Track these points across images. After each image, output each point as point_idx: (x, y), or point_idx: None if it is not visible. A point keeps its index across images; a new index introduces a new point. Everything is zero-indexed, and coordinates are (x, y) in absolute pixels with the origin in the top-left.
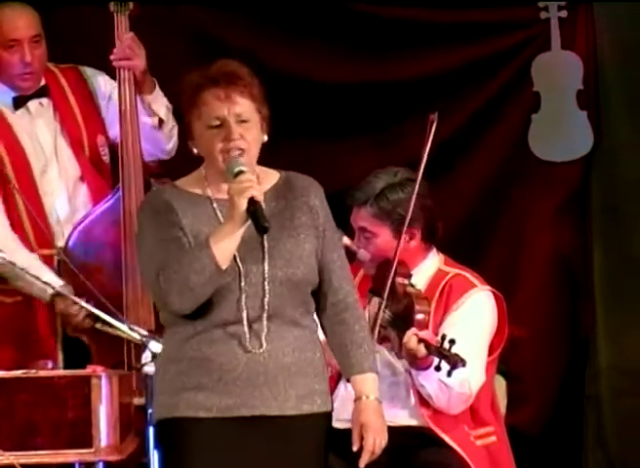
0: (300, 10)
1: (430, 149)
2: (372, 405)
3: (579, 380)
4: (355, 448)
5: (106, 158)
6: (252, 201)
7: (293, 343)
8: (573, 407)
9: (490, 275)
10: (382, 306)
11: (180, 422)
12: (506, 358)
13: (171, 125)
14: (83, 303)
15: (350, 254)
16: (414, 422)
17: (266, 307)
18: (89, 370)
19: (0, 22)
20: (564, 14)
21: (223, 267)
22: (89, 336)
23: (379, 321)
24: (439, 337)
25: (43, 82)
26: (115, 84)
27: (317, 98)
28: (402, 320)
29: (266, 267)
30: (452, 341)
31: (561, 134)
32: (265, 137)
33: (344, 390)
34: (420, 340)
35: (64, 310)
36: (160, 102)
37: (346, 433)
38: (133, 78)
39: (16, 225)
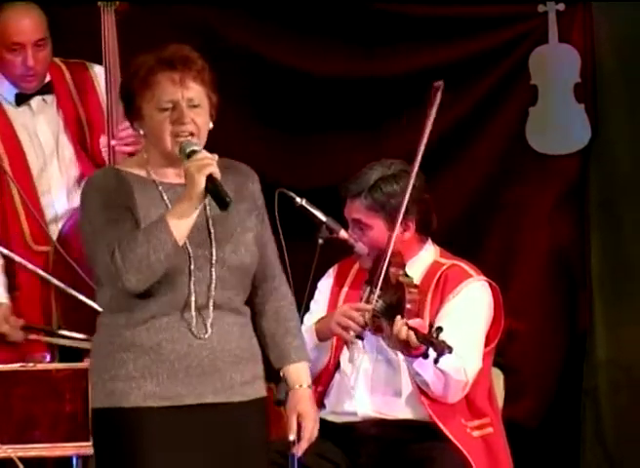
0: (299, 6)
1: (430, 140)
2: (307, 393)
3: (576, 374)
4: (292, 438)
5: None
6: (210, 178)
7: (235, 330)
8: (570, 400)
9: (487, 268)
10: (375, 296)
11: (128, 412)
12: (504, 351)
13: None
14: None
15: (347, 247)
16: (409, 414)
17: (213, 293)
18: (86, 362)
19: (4, 24)
20: (562, 7)
21: (180, 243)
22: (82, 330)
23: (371, 311)
24: (427, 325)
25: (48, 78)
26: None
27: (314, 93)
28: (395, 309)
29: (214, 252)
30: (439, 329)
31: (558, 127)
32: (211, 125)
33: (339, 382)
34: (410, 329)
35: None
36: None
37: (345, 427)
38: None
39: (11, 221)
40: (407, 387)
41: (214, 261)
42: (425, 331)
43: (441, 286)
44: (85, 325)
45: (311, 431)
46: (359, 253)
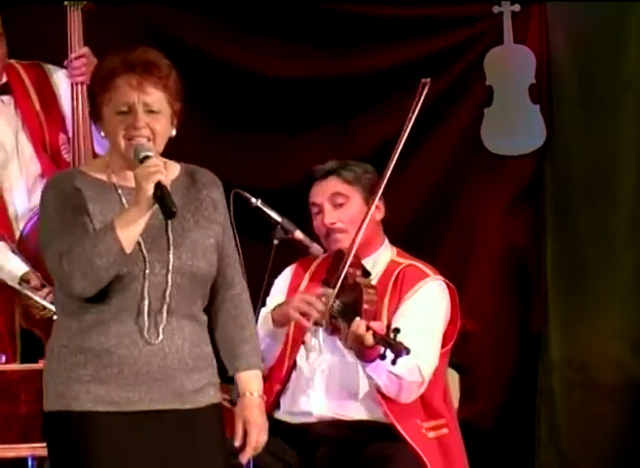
0: (257, 6)
1: (383, 140)
2: (256, 402)
3: (530, 374)
4: (237, 444)
5: (67, 156)
6: (158, 185)
7: (189, 337)
8: (525, 400)
9: (441, 269)
10: (333, 296)
11: (78, 415)
12: (458, 351)
13: None
14: (39, 299)
15: (303, 248)
16: (364, 415)
17: (167, 299)
18: (41, 363)
19: None
20: (517, 8)
21: (128, 251)
22: (41, 330)
23: (328, 311)
24: (384, 327)
25: (4, 79)
26: None
27: (272, 93)
28: (351, 310)
29: (171, 258)
30: (396, 330)
31: (514, 128)
32: (174, 132)
33: (295, 381)
34: (368, 329)
35: (26, 298)
36: None
37: (300, 428)
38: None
39: None
40: (363, 388)
41: (170, 267)
42: (383, 333)
43: (399, 285)
44: (45, 325)
45: (256, 440)
46: (314, 253)
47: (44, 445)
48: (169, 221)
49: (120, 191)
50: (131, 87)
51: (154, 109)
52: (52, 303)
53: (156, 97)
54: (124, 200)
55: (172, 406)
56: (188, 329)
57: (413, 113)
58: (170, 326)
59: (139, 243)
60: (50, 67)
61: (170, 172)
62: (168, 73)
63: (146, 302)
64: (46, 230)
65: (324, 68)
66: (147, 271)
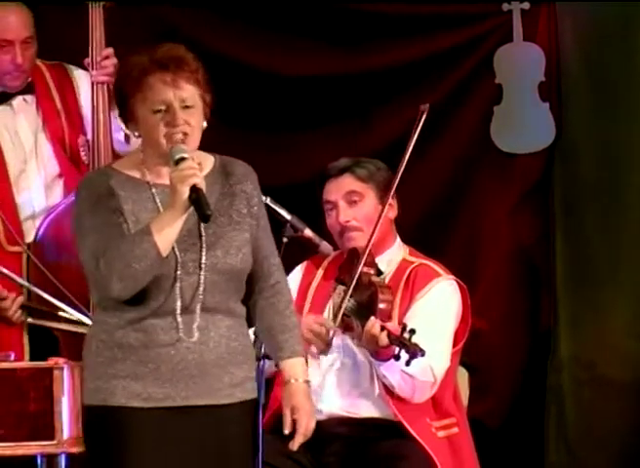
0: (270, 5)
1: (393, 138)
2: (301, 387)
3: (540, 372)
4: (287, 432)
5: (86, 158)
6: (194, 188)
7: (226, 332)
8: (534, 399)
9: (450, 267)
10: (347, 295)
11: (114, 410)
12: (468, 350)
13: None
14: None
15: (312, 246)
16: (375, 413)
17: (201, 297)
18: (51, 361)
19: None
20: (526, 5)
21: (164, 254)
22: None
23: (342, 309)
24: (400, 327)
25: (29, 79)
26: None
27: (282, 92)
28: (365, 309)
29: (204, 257)
30: (412, 331)
31: (523, 126)
32: (205, 124)
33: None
34: (383, 328)
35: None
36: None
37: None
38: (107, 91)
39: None
40: (373, 388)
41: (203, 266)
42: (398, 333)
43: (410, 284)
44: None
45: (305, 426)
46: (324, 251)
47: (53, 442)
48: (202, 223)
49: (154, 190)
50: (165, 84)
51: (189, 104)
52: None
53: (190, 92)
54: (157, 199)
55: (208, 401)
56: (225, 323)
57: (412, 138)
58: (206, 322)
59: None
60: (72, 68)
61: (204, 165)
62: (197, 67)
63: (179, 303)
64: (80, 231)
65: (336, 66)
66: (179, 272)
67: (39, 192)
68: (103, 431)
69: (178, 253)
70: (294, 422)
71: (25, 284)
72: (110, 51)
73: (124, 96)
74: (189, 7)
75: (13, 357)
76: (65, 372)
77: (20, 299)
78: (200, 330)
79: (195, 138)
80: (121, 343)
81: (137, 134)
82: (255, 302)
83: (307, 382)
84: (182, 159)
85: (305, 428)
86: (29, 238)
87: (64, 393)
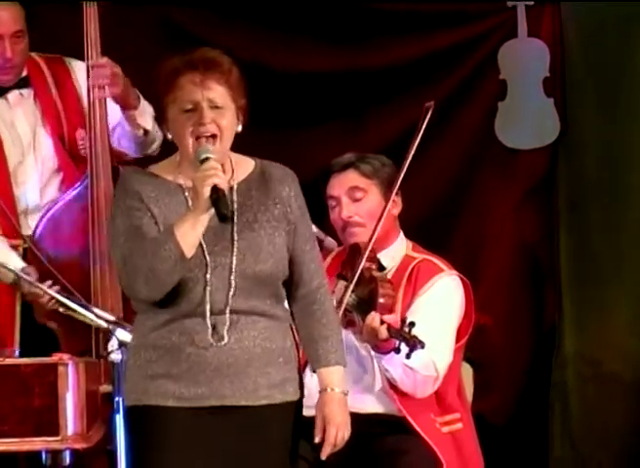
0: (271, 3)
1: (398, 133)
2: (336, 397)
3: (544, 368)
4: (317, 440)
5: (84, 152)
6: (215, 189)
7: (261, 334)
8: (539, 394)
9: (454, 262)
10: (348, 290)
11: (149, 410)
12: (472, 346)
13: (155, 132)
14: (45, 287)
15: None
16: (378, 409)
17: (230, 301)
18: (55, 357)
19: None
20: (530, 2)
21: (188, 255)
22: (57, 323)
23: (344, 305)
24: (399, 320)
25: (24, 73)
26: None
27: (284, 88)
28: (367, 304)
29: (234, 261)
30: (411, 324)
31: (528, 121)
32: (240, 128)
33: (309, 378)
34: (383, 322)
35: (30, 291)
36: (146, 114)
37: (313, 421)
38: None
39: None
40: (376, 383)
41: (233, 270)
42: (397, 326)
43: (413, 280)
44: (59, 319)
45: (334, 437)
46: (328, 247)
47: (58, 438)
48: (234, 223)
49: (187, 194)
50: (194, 84)
51: (219, 105)
52: (58, 292)
53: (220, 92)
54: (190, 202)
55: (244, 402)
56: (261, 325)
57: (417, 136)
58: (238, 324)
59: (201, 246)
60: (71, 61)
61: (242, 170)
62: (229, 69)
63: (208, 305)
64: (112, 231)
65: (338, 63)
66: (209, 275)
67: (34, 188)
68: (139, 431)
69: (208, 256)
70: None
71: (29, 279)
72: (104, 61)
73: (157, 97)
74: (190, 6)
75: (17, 353)
76: (70, 368)
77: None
78: (231, 331)
79: (225, 140)
80: (155, 345)
81: (170, 136)
82: (294, 308)
83: (344, 392)
84: (207, 159)
85: (334, 439)
86: (24, 232)
87: (69, 389)
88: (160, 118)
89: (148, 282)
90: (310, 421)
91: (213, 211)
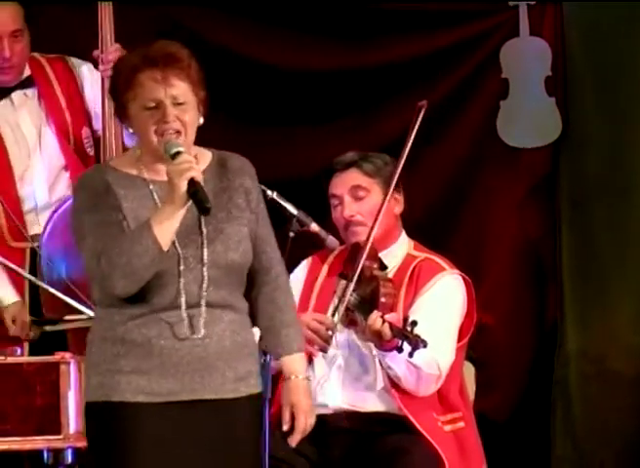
0: (275, 1)
1: (399, 132)
2: (301, 384)
3: (546, 366)
4: (286, 428)
5: (91, 150)
6: (192, 182)
7: (229, 327)
8: (541, 392)
9: (456, 261)
10: (350, 289)
11: (118, 406)
12: (474, 344)
13: None
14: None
15: (319, 241)
16: (380, 407)
17: (204, 293)
18: (57, 356)
19: None
20: (532, 1)
21: (165, 249)
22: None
23: (345, 304)
24: (401, 319)
25: (27, 73)
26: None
27: (288, 87)
28: (368, 303)
29: (205, 252)
30: (414, 323)
31: (529, 120)
32: (202, 120)
33: (311, 374)
34: (385, 322)
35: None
36: None
37: (316, 419)
38: None
39: None
40: (378, 382)
41: (205, 261)
42: (400, 325)
43: (414, 279)
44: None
45: (303, 423)
46: (330, 246)
47: (60, 437)
48: (202, 216)
49: (152, 186)
50: (156, 82)
51: (181, 101)
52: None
53: (182, 88)
54: (156, 195)
55: (213, 395)
56: (228, 318)
57: (410, 135)
58: (209, 317)
59: (173, 239)
60: (74, 60)
61: (201, 161)
62: (189, 63)
63: (183, 298)
64: (80, 230)
65: (342, 61)
66: (182, 268)
67: (42, 187)
68: (107, 428)
69: (179, 248)
70: (292, 419)
71: (33, 278)
72: (117, 46)
73: (117, 93)
74: (193, 5)
75: (19, 352)
76: (72, 367)
77: (25, 321)
78: (205, 325)
79: (189, 135)
80: (124, 339)
81: (131, 130)
82: (255, 297)
83: (307, 379)
84: (178, 153)
85: (303, 425)
86: (31, 231)
87: (71, 387)
88: (120, 114)
89: (126, 276)
90: None
91: (189, 204)
